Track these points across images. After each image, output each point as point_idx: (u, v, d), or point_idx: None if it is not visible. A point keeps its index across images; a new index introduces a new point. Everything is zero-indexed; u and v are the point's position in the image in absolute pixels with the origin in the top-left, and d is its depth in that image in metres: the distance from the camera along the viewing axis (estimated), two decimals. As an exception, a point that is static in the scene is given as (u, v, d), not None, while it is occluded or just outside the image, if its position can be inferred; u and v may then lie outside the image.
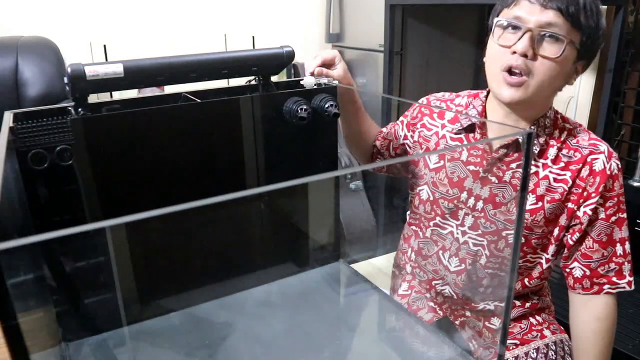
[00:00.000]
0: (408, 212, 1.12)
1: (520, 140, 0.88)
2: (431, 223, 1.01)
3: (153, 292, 0.91)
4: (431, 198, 0.99)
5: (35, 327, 0.56)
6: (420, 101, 1.09)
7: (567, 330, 0.98)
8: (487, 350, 1.01)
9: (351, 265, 1.10)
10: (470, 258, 0.96)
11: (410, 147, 1.07)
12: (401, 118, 1.10)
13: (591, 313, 0.90)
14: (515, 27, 0.82)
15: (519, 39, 0.81)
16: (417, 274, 1.08)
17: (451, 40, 2.20)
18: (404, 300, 1.10)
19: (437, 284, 1.03)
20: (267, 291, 0.99)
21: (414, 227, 1.07)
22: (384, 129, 1.13)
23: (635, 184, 1.51)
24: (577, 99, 2.08)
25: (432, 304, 1.07)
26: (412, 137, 1.05)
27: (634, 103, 1.59)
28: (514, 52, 0.82)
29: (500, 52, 0.84)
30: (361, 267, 1.17)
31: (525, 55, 0.81)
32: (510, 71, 0.83)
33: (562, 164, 0.88)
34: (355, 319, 0.98)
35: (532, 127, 0.89)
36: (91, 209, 0.80)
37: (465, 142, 0.96)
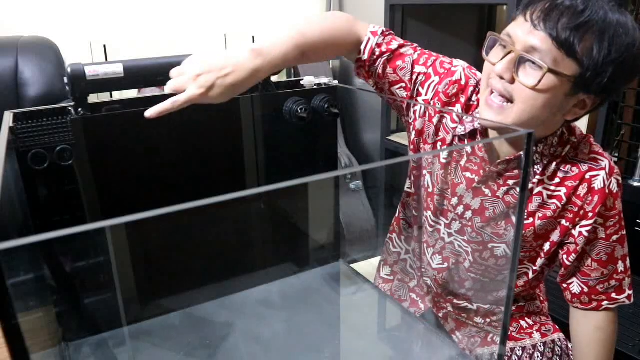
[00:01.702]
0: (407, 187, 1.05)
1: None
2: (422, 214, 1.00)
3: (153, 292, 0.91)
4: (430, 189, 0.96)
5: (35, 327, 0.56)
6: (462, 67, 0.92)
7: (563, 328, 0.98)
8: (471, 340, 1.00)
9: (351, 265, 1.10)
10: (454, 258, 0.95)
11: (417, 107, 0.93)
12: (434, 71, 0.93)
13: (591, 324, 0.90)
14: (504, 45, 0.75)
15: (500, 60, 0.74)
16: (402, 255, 1.06)
17: (451, 40, 2.20)
18: (386, 285, 1.08)
19: (423, 271, 1.02)
20: (267, 291, 0.99)
21: (407, 212, 1.05)
22: (403, 51, 0.94)
23: (635, 184, 1.51)
24: (577, 99, 2.07)
25: (414, 295, 1.06)
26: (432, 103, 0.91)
27: (634, 103, 1.58)
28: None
29: (488, 69, 0.78)
30: (361, 267, 1.17)
31: (504, 78, 0.74)
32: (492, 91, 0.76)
33: (557, 180, 0.84)
34: (355, 319, 0.98)
35: (540, 146, 0.82)
36: (91, 209, 0.80)
37: (469, 146, 0.92)
